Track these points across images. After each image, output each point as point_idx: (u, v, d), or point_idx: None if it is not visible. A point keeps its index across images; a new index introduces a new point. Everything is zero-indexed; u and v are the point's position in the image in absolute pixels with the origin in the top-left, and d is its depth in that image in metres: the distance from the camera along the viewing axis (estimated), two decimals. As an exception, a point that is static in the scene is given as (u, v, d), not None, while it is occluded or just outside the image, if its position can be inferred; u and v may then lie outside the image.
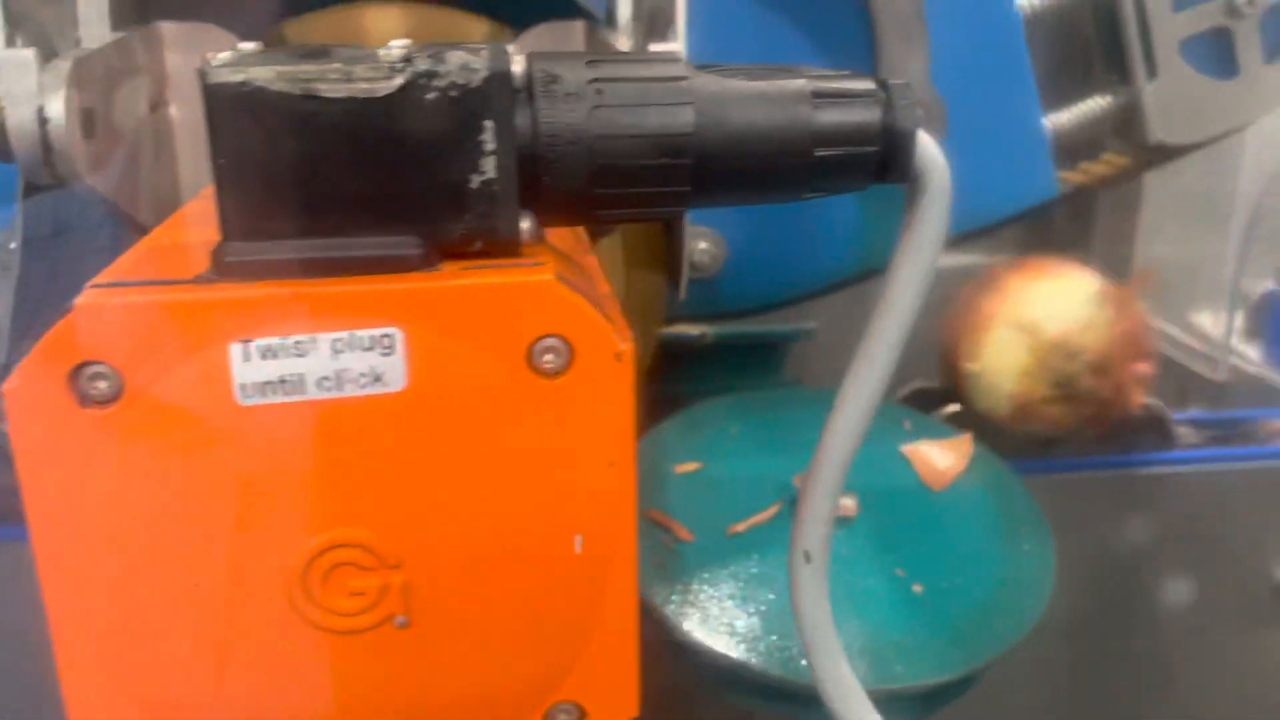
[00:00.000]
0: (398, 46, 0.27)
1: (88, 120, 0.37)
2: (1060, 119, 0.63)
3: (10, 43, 0.35)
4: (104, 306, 0.26)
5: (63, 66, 0.35)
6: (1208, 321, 0.86)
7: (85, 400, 0.26)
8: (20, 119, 0.35)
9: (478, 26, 0.52)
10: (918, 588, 0.46)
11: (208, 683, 0.28)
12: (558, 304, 0.28)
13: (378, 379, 0.27)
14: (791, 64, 0.30)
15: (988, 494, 0.53)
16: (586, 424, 0.28)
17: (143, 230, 0.43)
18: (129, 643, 0.28)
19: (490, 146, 0.27)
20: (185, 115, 0.46)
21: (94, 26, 0.39)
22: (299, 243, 0.27)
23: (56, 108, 0.35)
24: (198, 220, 0.34)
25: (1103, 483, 0.68)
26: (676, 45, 0.39)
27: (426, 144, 0.27)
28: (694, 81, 0.28)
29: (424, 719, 0.30)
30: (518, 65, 0.27)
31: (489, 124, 0.27)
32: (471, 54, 0.27)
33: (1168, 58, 0.61)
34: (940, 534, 0.50)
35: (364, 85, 0.26)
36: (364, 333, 0.27)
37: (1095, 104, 0.64)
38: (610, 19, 0.44)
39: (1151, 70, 0.61)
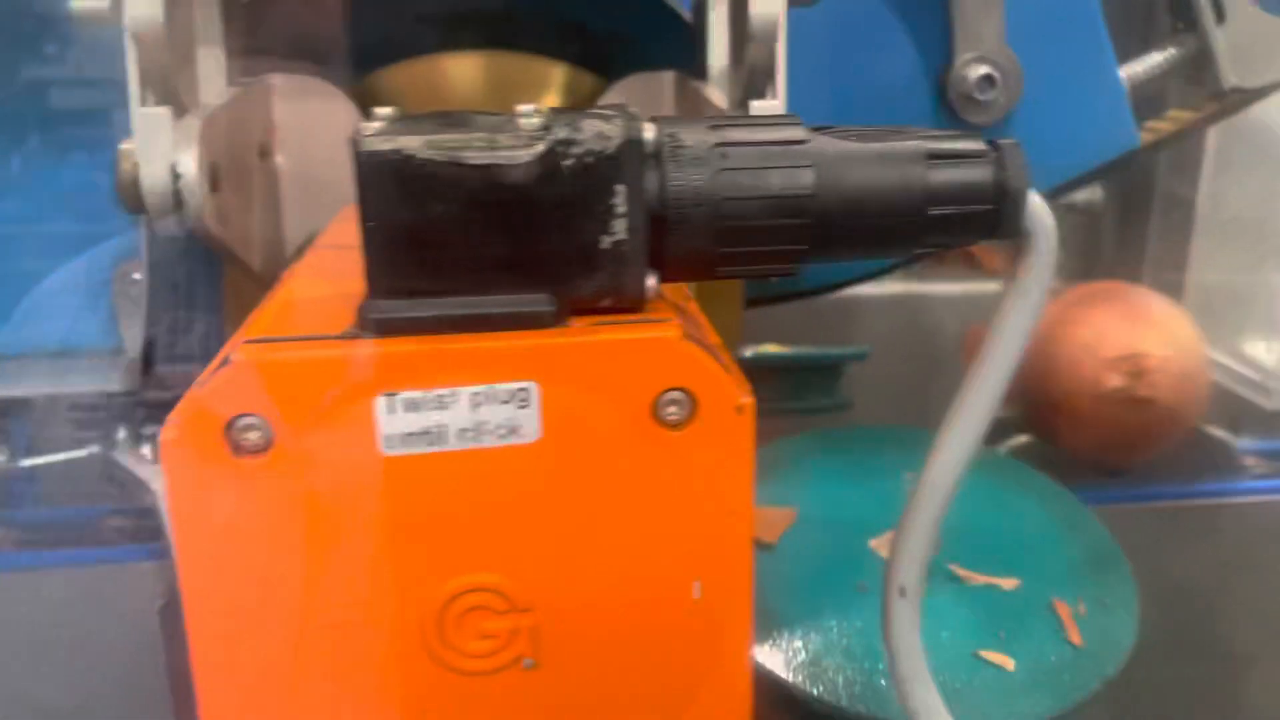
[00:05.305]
0: (536, 114, 0.28)
1: (214, 174, 0.38)
2: (1133, 70, 0.61)
3: (144, 101, 0.37)
4: (261, 363, 0.27)
5: (192, 123, 0.37)
6: (1261, 350, 0.86)
7: (238, 450, 0.28)
8: (154, 175, 0.36)
9: (557, 73, 0.53)
10: (1001, 633, 0.46)
11: (344, 720, 0.30)
12: (683, 359, 0.29)
13: (514, 430, 0.28)
14: (902, 126, 0.31)
15: (1065, 531, 0.53)
16: (708, 474, 0.29)
17: (248, 270, 0.44)
18: (268, 681, 0.29)
19: (621, 209, 0.28)
20: (290, 163, 0.48)
21: (213, 82, 0.41)
22: (440, 300, 0.28)
23: (188, 164, 0.36)
24: (324, 272, 0.35)
25: (1164, 513, 0.69)
26: (777, 102, 0.40)
27: (562, 207, 0.28)
28: (812, 144, 0.29)
29: (546, 757, 0.31)
30: (649, 132, 0.28)
31: (621, 188, 0.28)
32: (605, 121, 0.28)
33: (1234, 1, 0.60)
34: (1021, 573, 0.50)
35: (505, 153, 0.28)
36: (503, 387, 0.28)
37: (1164, 55, 0.62)
38: (700, 70, 0.45)
39: (1220, 14, 0.60)
